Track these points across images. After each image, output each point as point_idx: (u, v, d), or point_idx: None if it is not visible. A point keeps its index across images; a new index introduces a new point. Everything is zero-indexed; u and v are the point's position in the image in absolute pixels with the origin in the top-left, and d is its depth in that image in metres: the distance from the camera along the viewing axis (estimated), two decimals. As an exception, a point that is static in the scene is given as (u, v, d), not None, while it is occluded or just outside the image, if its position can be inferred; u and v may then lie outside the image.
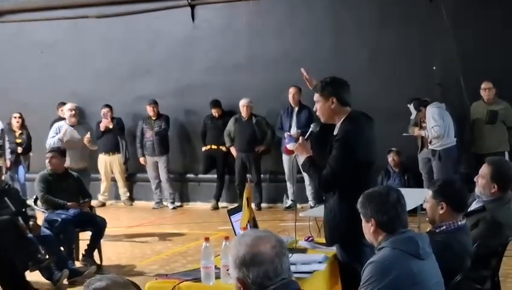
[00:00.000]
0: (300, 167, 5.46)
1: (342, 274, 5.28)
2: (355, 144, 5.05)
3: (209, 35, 14.09)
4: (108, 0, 14.64)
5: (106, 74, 14.42)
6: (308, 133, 5.31)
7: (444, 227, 4.70)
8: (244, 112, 13.03)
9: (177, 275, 5.20)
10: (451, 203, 4.69)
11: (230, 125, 13.18)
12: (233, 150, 13.29)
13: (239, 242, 3.07)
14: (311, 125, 5.35)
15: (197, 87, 13.80)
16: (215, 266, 4.72)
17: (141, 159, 13.88)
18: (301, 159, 5.29)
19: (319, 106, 5.20)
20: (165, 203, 14.18)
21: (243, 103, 13.03)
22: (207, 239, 4.78)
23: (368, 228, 4.07)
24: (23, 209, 8.60)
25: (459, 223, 4.70)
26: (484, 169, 5.27)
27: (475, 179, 5.36)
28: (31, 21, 15.23)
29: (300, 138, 5.34)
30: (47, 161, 9.30)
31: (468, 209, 5.12)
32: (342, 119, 5.16)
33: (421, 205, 8.64)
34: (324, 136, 5.28)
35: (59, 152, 9.51)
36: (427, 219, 4.91)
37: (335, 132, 5.17)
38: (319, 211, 8.20)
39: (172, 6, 14.21)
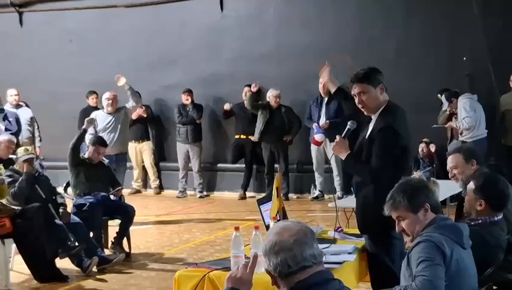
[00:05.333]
0: (343, 165, 5.63)
1: (371, 265, 5.27)
2: (400, 132, 5.01)
3: (237, 24, 14.12)
4: (137, -11, 14.72)
5: (134, 62, 14.46)
6: (345, 131, 5.22)
7: (480, 221, 4.68)
8: (272, 102, 13.00)
9: (207, 264, 5.20)
10: (490, 203, 4.67)
11: (260, 115, 13.19)
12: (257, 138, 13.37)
13: (268, 233, 3.18)
14: (349, 123, 5.23)
15: (224, 76, 13.81)
16: (245, 255, 4.73)
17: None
18: (342, 157, 5.22)
19: (368, 96, 5.06)
20: (189, 192, 14.26)
21: (271, 93, 13.01)
22: (237, 228, 4.78)
23: (416, 220, 4.07)
24: (53, 197, 8.70)
25: (496, 218, 4.67)
26: None
27: None
28: (60, 10, 15.31)
29: (338, 137, 5.22)
30: (90, 153, 9.38)
31: None
32: (381, 109, 5.10)
33: (450, 197, 8.62)
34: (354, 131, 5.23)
35: (102, 144, 9.56)
36: (464, 209, 4.89)
37: (373, 123, 5.11)
38: (347, 201, 8.20)
39: (201, -5, 14.25)
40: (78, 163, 9.31)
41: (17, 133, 11.12)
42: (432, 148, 12.15)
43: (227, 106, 13.51)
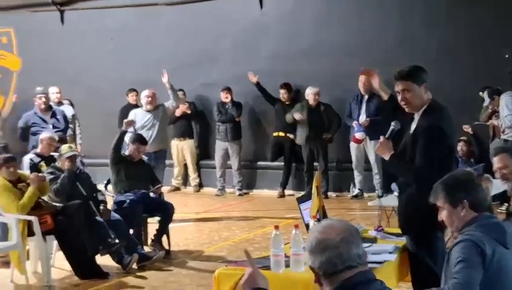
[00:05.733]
0: (386, 166, 5.45)
1: (412, 265, 5.22)
2: (445, 131, 4.94)
3: (277, 22, 14.06)
4: (177, -13, 14.76)
5: (173, 60, 14.47)
6: (389, 132, 5.14)
7: None
8: (311, 100, 12.95)
9: (247, 262, 5.19)
10: None
11: (293, 112, 13.11)
12: (292, 136, 13.34)
13: (312, 231, 3.12)
14: (392, 124, 5.14)
15: (262, 74, 13.73)
16: (285, 254, 4.71)
17: None
18: (385, 158, 5.15)
19: (411, 94, 4.99)
20: (228, 190, 14.24)
21: (310, 91, 12.97)
22: (277, 227, 4.77)
23: (454, 214, 3.98)
24: (94, 194, 8.78)
25: None
26: None
27: None
28: (100, 8, 15.41)
29: (382, 137, 5.15)
30: (131, 151, 9.46)
31: None
32: (424, 108, 5.03)
33: (491, 196, 8.49)
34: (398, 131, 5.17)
35: (142, 142, 9.63)
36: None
37: (415, 122, 5.05)
38: (387, 200, 8.14)
39: (240, -7, 14.25)
40: (119, 161, 9.38)
41: (64, 131, 11.25)
42: (471, 146, 11.99)
43: (298, 116, 13.23)
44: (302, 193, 11.99)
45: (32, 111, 11.45)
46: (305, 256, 3.16)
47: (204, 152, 14.79)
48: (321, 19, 13.62)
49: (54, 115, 11.35)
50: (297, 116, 13.02)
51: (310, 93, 12.99)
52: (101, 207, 8.54)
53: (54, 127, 11.02)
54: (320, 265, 2.99)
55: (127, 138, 10.31)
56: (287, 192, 13.66)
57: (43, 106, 11.27)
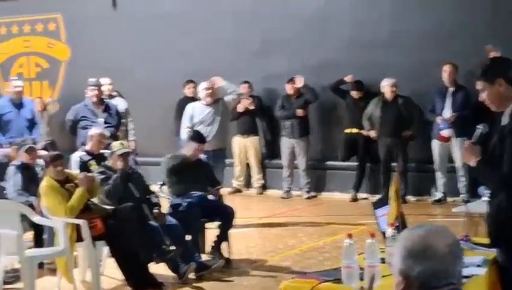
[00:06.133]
0: (473, 173, 5.32)
1: (504, 281, 5.09)
2: None
3: (347, 8, 13.94)
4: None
5: (235, 49, 14.48)
6: (476, 136, 4.94)
7: None
8: (388, 93, 12.82)
9: (315, 274, 5.16)
10: None
11: (372, 107, 13.00)
12: (372, 134, 13.13)
13: (410, 232, 2.97)
14: (480, 127, 5.00)
15: (333, 65, 13.63)
16: (359, 266, 4.65)
17: None
18: (472, 165, 4.91)
19: (486, 94, 4.83)
20: (295, 192, 14.16)
21: (386, 83, 12.83)
22: (350, 236, 4.71)
23: None
24: (147, 196, 8.82)
25: None
26: None
27: None
28: None
29: (467, 142, 4.96)
30: (188, 151, 9.44)
31: None
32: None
33: None
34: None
35: (201, 140, 9.60)
36: None
37: (504, 120, 4.92)
38: (475, 206, 7.98)
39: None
40: (173, 162, 9.41)
41: (116, 127, 11.35)
42: None
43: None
44: (378, 196, 11.91)
45: (83, 103, 11.58)
46: (393, 259, 3.05)
47: (269, 150, 14.73)
48: (398, 4, 13.45)
49: (106, 109, 11.45)
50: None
51: (386, 86, 12.84)
52: (155, 210, 8.58)
53: (105, 122, 11.12)
54: (418, 274, 2.84)
55: (184, 135, 10.38)
56: (360, 195, 13.53)
57: (95, 99, 11.39)
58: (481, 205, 5.93)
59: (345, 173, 13.93)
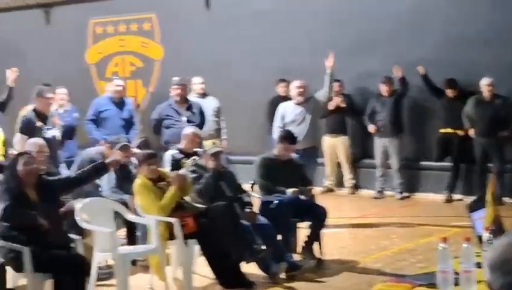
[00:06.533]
0: None
1: None
2: None
3: (442, 5, 13.67)
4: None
5: (327, 47, 14.34)
6: None
7: None
8: (485, 92, 12.54)
9: (409, 278, 5.09)
10: None
11: (469, 106, 12.71)
12: (471, 132, 12.84)
13: (499, 242, 2.86)
14: None
15: (427, 64, 13.38)
16: (455, 271, 4.56)
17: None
18: None
19: None
20: (386, 192, 14.02)
21: (484, 82, 12.54)
22: (444, 239, 4.61)
23: None
24: (239, 195, 8.85)
25: None
26: None
27: None
28: None
29: None
30: (278, 150, 9.41)
31: None
32: None
33: None
34: None
35: (292, 140, 9.55)
36: None
37: None
38: None
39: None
40: (265, 162, 9.42)
41: (200, 126, 11.40)
42: None
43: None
44: (473, 197, 11.63)
45: (167, 102, 11.70)
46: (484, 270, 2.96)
47: (361, 150, 14.63)
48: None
49: (189, 108, 11.52)
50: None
51: (483, 85, 12.56)
52: (247, 210, 8.61)
53: (188, 121, 11.18)
54: (501, 288, 2.82)
55: (276, 133, 10.38)
56: (454, 196, 13.26)
57: (178, 98, 11.49)
58: None
59: (439, 173, 13.69)
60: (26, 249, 6.72)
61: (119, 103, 11.73)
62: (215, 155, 8.81)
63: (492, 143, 12.60)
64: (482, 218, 5.25)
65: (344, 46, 14.17)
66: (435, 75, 13.18)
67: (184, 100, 11.59)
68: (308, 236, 9.03)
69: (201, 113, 11.71)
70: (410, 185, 14.07)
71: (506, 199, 12.64)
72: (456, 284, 4.54)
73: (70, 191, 8.08)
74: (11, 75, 11.18)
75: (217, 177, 8.68)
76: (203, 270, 8.38)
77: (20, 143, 10.42)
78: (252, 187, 9.53)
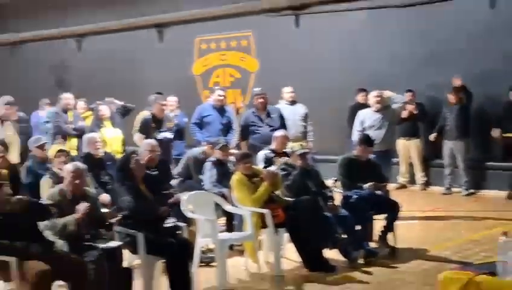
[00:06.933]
0: None
1: None
2: None
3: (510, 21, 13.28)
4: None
5: (403, 61, 14.25)
6: None
7: None
8: None
9: (472, 267, 5.00)
10: None
11: None
12: None
13: None
14: None
15: (495, 75, 13.12)
16: None
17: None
18: None
19: None
20: (454, 189, 13.72)
21: None
22: (505, 233, 4.55)
23: None
24: (323, 190, 8.84)
25: None
26: None
27: None
28: (334, 12, 15.42)
29: None
30: (358, 151, 9.34)
31: None
32: None
33: None
34: None
35: (369, 143, 9.49)
36: None
37: None
38: None
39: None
40: (346, 162, 9.37)
41: (279, 129, 11.42)
42: None
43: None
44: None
45: (251, 111, 11.76)
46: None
47: (432, 151, 14.39)
48: None
49: (269, 114, 11.55)
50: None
51: None
52: (329, 203, 8.61)
53: (269, 125, 11.21)
54: None
55: (355, 136, 10.35)
56: (517, 193, 12.96)
57: (260, 106, 11.53)
58: None
59: (502, 173, 13.38)
60: (140, 234, 6.88)
61: (220, 110, 11.82)
62: (302, 155, 8.84)
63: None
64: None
65: (417, 59, 14.00)
66: (499, 87, 12.88)
67: (264, 107, 11.63)
68: (384, 227, 8.93)
69: (281, 117, 11.69)
70: (476, 183, 13.75)
71: None
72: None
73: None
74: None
75: (303, 175, 8.70)
76: (291, 255, 8.43)
77: (139, 141, 10.66)
78: (334, 183, 9.48)
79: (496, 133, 12.92)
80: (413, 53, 14.22)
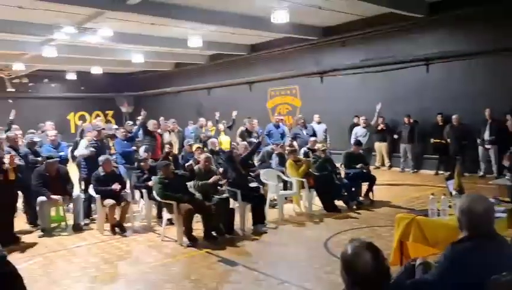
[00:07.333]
0: None
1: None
2: None
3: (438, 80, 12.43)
4: None
5: (378, 100, 13.39)
6: None
7: None
8: None
9: (415, 211, 4.79)
10: None
11: None
12: None
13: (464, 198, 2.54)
14: None
15: (428, 108, 12.31)
16: (437, 209, 4.24)
17: None
18: None
19: None
20: (406, 169, 12.91)
21: None
22: (432, 194, 4.36)
23: None
24: (335, 169, 8.56)
25: None
26: None
27: None
28: (344, 75, 14.80)
29: None
30: (353, 148, 8.92)
31: None
32: None
33: None
34: None
35: (360, 145, 9.09)
36: None
37: None
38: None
39: None
40: (347, 155, 8.97)
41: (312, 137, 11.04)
42: None
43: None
44: None
45: (298, 127, 11.63)
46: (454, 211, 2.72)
47: (393, 149, 13.43)
48: None
49: (306, 128, 11.53)
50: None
51: None
52: (338, 176, 8.40)
53: (307, 134, 11.19)
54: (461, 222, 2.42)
55: (352, 141, 10.07)
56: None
57: (302, 124, 11.56)
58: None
59: (432, 161, 12.41)
60: (238, 191, 6.91)
61: (277, 126, 11.79)
62: (324, 150, 8.75)
63: None
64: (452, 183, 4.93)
65: (386, 100, 13.28)
66: (432, 113, 12.24)
67: (304, 125, 11.55)
68: (367, 189, 8.72)
69: (313, 130, 11.59)
70: (417, 165, 12.80)
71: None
72: (438, 215, 4.31)
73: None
74: None
75: (324, 161, 8.58)
76: (317, 203, 8.27)
77: (240, 143, 10.68)
78: (340, 165, 9.30)
79: (431, 140, 12.39)
80: (383, 97, 13.66)
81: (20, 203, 7.57)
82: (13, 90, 20.20)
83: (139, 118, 9.87)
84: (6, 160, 6.23)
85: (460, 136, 11.49)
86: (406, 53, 12.80)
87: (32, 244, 6.44)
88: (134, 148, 9.22)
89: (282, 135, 11.67)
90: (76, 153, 8.48)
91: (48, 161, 7.04)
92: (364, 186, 8.83)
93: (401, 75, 13.04)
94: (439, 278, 2.22)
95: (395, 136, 13.11)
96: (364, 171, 8.82)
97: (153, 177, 7.06)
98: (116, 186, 6.95)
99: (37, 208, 6.95)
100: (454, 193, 4.80)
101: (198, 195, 6.58)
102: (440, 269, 2.26)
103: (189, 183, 6.77)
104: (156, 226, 7.26)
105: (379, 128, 13.17)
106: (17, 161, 6.48)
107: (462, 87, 11.78)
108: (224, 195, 6.81)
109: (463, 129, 11.47)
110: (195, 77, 19.84)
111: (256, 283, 4.75)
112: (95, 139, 8.32)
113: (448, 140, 11.77)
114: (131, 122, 11.42)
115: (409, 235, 4.26)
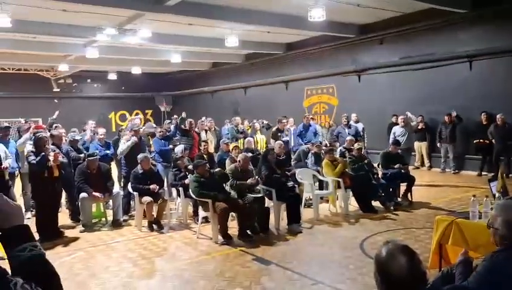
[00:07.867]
0: None
1: None
2: None
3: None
4: None
5: (416, 99, 13.05)
6: None
7: None
8: None
9: (455, 214, 4.64)
10: None
11: None
12: None
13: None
14: None
15: (474, 106, 11.80)
16: (479, 211, 4.08)
17: None
18: None
19: None
20: (446, 170, 12.47)
21: None
22: (474, 196, 4.19)
23: None
24: (372, 169, 8.43)
25: None
26: None
27: None
28: (375, 73, 14.74)
29: None
30: (391, 148, 8.75)
31: None
32: None
33: None
34: None
35: (398, 144, 8.94)
36: None
37: None
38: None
39: None
40: (385, 154, 8.85)
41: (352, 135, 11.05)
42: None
43: None
44: None
45: (341, 126, 11.68)
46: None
47: (433, 149, 12.95)
48: None
49: (349, 127, 11.67)
50: None
51: None
52: (375, 176, 8.26)
53: (348, 134, 11.19)
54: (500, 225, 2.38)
55: (390, 141, 9.85)
56: None
57: (346, 123, 11.49)
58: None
59: (474, 161, 11.92)
60: (273, 189, 6.91)
61: (308, 126, 11.71)
62: (359, 150, 8.61)
63: None
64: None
65: (424, 98, 13.08)
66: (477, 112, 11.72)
67: (348, 124, 11.43)
68: (405, 189, 8.51)
69: (356, 129, 11.49)
70: (459, 166, 12.35)
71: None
72: (480, 218, 4.15)
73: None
74: None
75: (361, 160, 8.44)
76: (353, 203, 8.18)
77: (273, 142, 10.68)
78: (378, 165, 9.14)
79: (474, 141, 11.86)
80: (422, 96, 13.19)
81: (63, 199, 7.83)
82: (58, 90, 21.09)
83: (175, 116, 10.06)
84: (51, 157, 6.46)
85: (505, 136, 11.00)
86: (448, 50, 12.38)
87: (74, 239, 6.71)
88: (171, 146, 9.40)
89: (315, 134, 11.58)
90: (117, 151, 8.73)
91: (89, 158, 7.27)
92: (403, 186, 8.63)
93: (443, 73, 12.63)
94: (477, 286, 2.18)
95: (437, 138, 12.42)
96: (403, 171, 8.61)
97: (189, 176, 7.17)
98: (153, 186, 7.10)
99: (79, 204, 7.20)
100: (497, 195, 4.59)
101: (233, 193, 6.61)
102: (478, 277, 2.22)
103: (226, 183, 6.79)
104: (192, 224, 7.37)
105: (419, 127, 12.81)
106: (61, 158, 6.72)
107: (506, 85, 11.28)
108: (259, 194, 6.82)
109: (508, 129, 10.98)
110: (232, 76, 20.00)
111: (289, 283, 4.74)
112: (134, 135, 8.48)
113: (492, 140, 11.29)
114: (168, 121, 11.65)
115: (448, 238, 4.12)
